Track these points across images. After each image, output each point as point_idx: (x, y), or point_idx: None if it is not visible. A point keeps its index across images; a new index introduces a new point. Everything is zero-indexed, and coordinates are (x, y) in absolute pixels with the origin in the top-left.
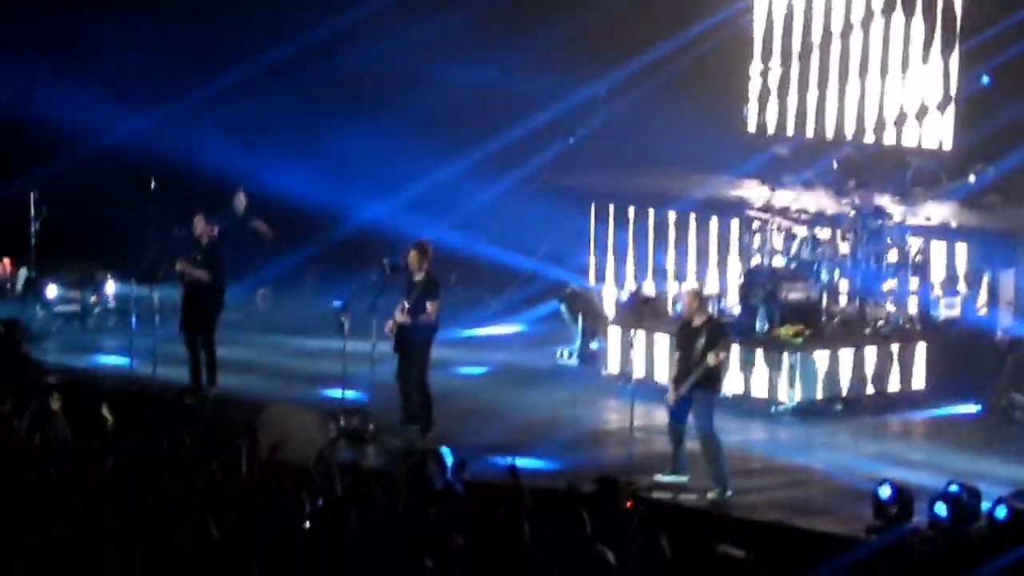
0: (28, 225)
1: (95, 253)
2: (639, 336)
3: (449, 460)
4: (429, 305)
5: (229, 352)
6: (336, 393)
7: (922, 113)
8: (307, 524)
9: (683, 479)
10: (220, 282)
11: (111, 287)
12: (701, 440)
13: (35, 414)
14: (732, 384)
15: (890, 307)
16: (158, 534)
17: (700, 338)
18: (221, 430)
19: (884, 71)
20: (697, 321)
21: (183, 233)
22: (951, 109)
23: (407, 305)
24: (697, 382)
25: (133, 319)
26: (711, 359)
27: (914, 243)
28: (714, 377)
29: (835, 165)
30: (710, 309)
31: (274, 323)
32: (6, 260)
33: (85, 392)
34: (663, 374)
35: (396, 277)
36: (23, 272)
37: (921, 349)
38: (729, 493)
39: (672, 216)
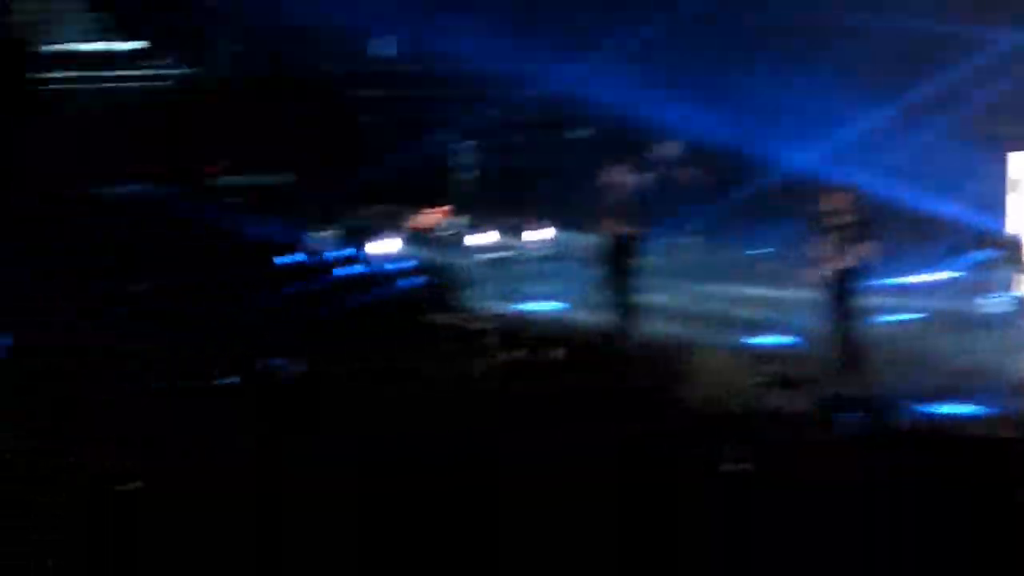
0: (459, 174)
1: (524, 201)
2: None
3: (872, 406)
4: (859, 248)
5: (654, 299)
6: (764, 340)
7: None
8: (743, 468)
9: None
10: (644, 230)
11: (538, 234)
12: None
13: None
14: None
15: None
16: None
17: None
18: (646, 376)
19: None
20: None
21: (608, 181)
22: None
23: (835, 250)
24: None
25: (561, 265)
26: None
27: None
28: None
29: None
30: None
31: (700, 270)
32: (439, 209)
33: (514, 338)
34: None
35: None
36: (454, 220)
37: None
38: None
39: None
